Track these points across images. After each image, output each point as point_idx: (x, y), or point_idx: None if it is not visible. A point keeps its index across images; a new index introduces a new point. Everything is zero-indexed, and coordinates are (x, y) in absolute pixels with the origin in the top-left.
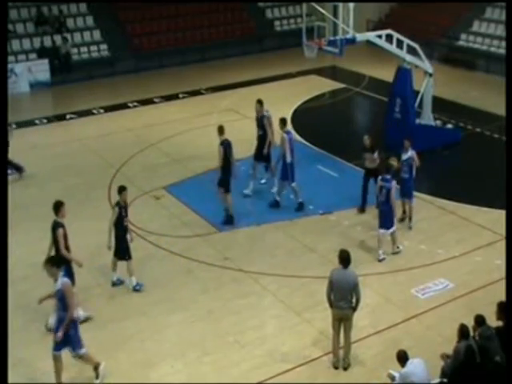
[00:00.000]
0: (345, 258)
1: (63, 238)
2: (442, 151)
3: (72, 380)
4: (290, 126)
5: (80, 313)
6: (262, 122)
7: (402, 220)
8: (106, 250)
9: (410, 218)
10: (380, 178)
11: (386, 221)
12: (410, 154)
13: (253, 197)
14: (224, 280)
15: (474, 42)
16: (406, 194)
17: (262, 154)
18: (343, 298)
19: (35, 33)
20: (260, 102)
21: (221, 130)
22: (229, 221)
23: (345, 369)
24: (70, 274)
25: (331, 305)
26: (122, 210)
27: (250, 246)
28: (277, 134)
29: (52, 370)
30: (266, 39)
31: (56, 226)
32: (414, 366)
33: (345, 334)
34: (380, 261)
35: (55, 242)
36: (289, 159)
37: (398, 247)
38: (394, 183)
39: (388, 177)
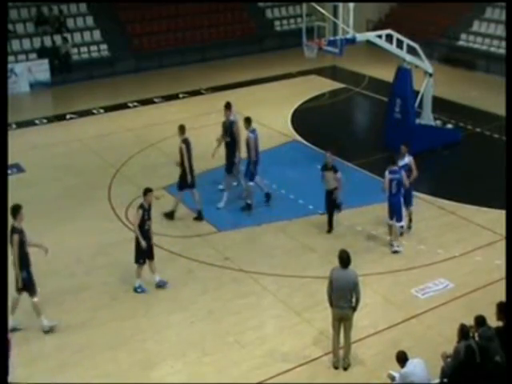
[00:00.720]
0: (344, 259)
1: (18, 245)
2: (442, 151)
3: None
4: (289, 127)
5: (44, 322)
6: (230, 129)
7: (409, 228)
8: (106, 250)
9: (410, 219)
10: (387, 171)
11: (396, 211)
12: (407, 160)
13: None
14: (224, 280)
15: (474, 42)
16: (405, 200)
17: (232, 165)
18: (343, 298)
19: (35, 33)
20: (228, 107)
21: (182, 129)
22: (199, 217)
23: (345, 369)
24: (30, 281)
25: (331, 304)
26: (145, 212)
27: (250, 246)
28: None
29: (52, 369)
30: (266, 39)
31: (12, 231)
32: (414, 365)
33: (345, 333)
34: (394, 252)
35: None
36: (254, 158)
37: (398, 246)
38: (403, 173)
39: (395, 168)
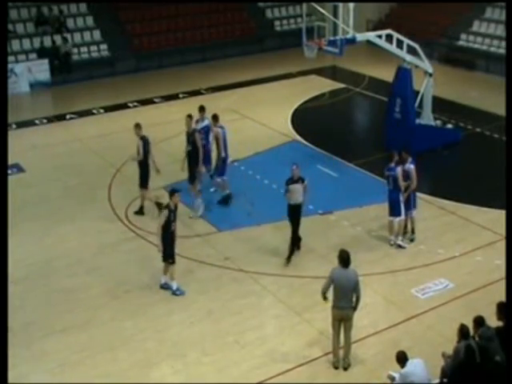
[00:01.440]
0: (345, 258)
1: None
2: (442, 151)
3: None
4: (289, 127)
5: None
6: (192, 137)
7: (404, 233)
8: (106, 250)
9: (413, 230)
10: (386, 168)
11: (395, 207)
12: (407, 167)
13: (252, 197)
14: (224, 280)
15: (474, 41)
16: (405, 205)
17: (194, 175)
18: (344, 298)
19: (35, 33)
20: (190, 116)
21: (138, 126)
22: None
23: (345, 369)
24: None
25: (324, 298)
26: (170, 213)
27: (250, 246)
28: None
29: (52, 369)
30: (266, 39)
31: None
32: (414, 365)
33: (345, 333)
34: (398, 247)
35: None
36: (223, 154)
37: (402, 240)
38: (399, 170)
39: (392, 165)
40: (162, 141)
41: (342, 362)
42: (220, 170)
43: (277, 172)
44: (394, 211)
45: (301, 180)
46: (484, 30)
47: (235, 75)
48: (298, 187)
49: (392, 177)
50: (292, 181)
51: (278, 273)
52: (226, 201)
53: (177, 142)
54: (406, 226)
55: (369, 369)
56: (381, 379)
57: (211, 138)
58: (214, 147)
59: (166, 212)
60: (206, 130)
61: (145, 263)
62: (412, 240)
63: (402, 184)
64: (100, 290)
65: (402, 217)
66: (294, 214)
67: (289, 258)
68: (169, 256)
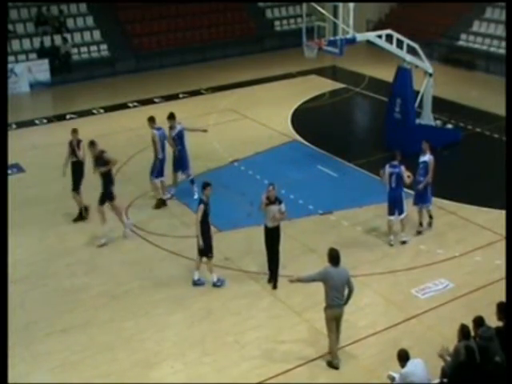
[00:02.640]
0: (335, 257)
1: None
2: (442, 151)
3: None
4: (289, 127)
5: None
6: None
7: (419, 233)
8: (105, 250)
9: (431, 224)
10: (388, 165)
11: (396, 207)
12: (428, 158)
13: (252, 197)
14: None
15: (474, 42)
16: (421, 197)
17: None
18: (339, 296)
19: (35, 33)
20: (152, 120)
21: (74, 131)
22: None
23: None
24: None
25: (301, 281)
26: (206, 206)
27: (250, 246)
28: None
29: (52, 369)
30: (266, 39)
31: None
32: (415, 365)
33: (338, 329)
34: (391, 245)
35: None
36: (160, 155)
37: (405, 236)
38: (402, 168)
39: (395, 163)
40: None
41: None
42: (157, 172)
43: (277, 172)
44: (397, 209)
45: (278, 201)
46: (484, 30)
47: (235, 75)
48: (273, 209)
49: (396, 174)
50: (269, 201)
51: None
52: (158, 206)
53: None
54: (421, 224)
55: (369, 369)
56: (381, 379)
57: (186, 142)
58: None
59: (202, 206)
60: (180, 136)
61: (145, 263)
62: (430, 225)
63: (408, 181)
64: (100, 290)
65: (405, 214)
66: (272, 237)
67: (273, 282)
68: (209, 249)
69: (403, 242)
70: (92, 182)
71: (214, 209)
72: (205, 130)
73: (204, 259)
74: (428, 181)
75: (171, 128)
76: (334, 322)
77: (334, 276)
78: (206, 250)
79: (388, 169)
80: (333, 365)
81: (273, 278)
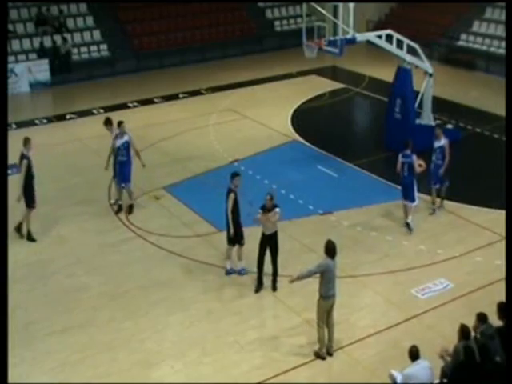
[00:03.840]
0: (332, 249)
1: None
2: None
3: None
4: (289, 127)
5: None
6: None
7: (433, 211)
8: (106, 250)
9: (442, 202)
10: (400, 155)
11: (409, 193)
12: (443, 142)
13: (252, 197)
14: (224, 280)
15: (474, 42)
16: (438, 179)
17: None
18: (334, 287)
19: (35, 33)
20: (109, 123)
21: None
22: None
23: (330, 354)
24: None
25: (302, 278)
26: (236, 195)
27: (249, 246)
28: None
29: (52, 369)
30: (266, 39)
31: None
32: (421, 367)
33: (330, 320)
34: (406, 225)
35: None
36: (130, 160)
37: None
38: (414, 157)
39: (408, 152)
40: (161, 141)
41: (325, 348)
42: (127, 176)
43: (277, 172)
44: (408, 197)
45: (275, 206)
46: (484, 31)
47: (235, 75)
48: (268, 217)
49: (407, 163)
50: (266, 210)
51: (277, 273)
52: (121, 208)
53: (176, 142)
54: (433, 203)
55: (369, 369)
56: (381, 379)
57: (132, 152)
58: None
59: (232, 195)
60: (126, 146)
61: (145, 263)
62: (442, 206)
63: (418, 170)
64: (100, 290)
65: (416, 202)
66: (270, 245)
67: (272, 285)
68: (241, 237)
69: (407, 224)
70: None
71: (213, 209)
72: (144, 165)
73: (236, 247)
74: (447, 163)
75: (117, 137)
76: (325, 313)
77: (332, 268)
78: (238, 238)
79: (401, 158)
80: (320, 355)
81: (272, 282)
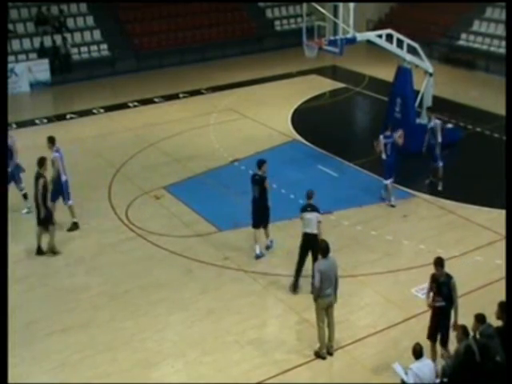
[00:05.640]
0: (325, 248)
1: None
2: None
3: None
4: (289, 126)
5: None
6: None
7: (431, 183)
8: (106, 249)
9: (440, 180)
10: (382, 136)
11: (391, 172)
12: (434, 123)
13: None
14: (224, 280)
15: (475, 41)
16: (434, 158)
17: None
18: (330, 286)
19: (35, 33)
20: (52, 141)
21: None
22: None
23: (330, 354)
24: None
25: (318, 296)
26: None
27: (250, 246)
28: None
29: (52, 369)
30: (266, 39)
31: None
32: (424, 364)
33: (330, 319)
34: (391, 206)
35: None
36: (63, 178)
37: (390, 201)
38: (395, 136)
39: (388, 133)
40: (161, 140)
41: (326, 348)
42: (67, 194)
43: (277, 171)
44: (392, 175)
45: (315, 210)
46: (484, 30)
47: (235, 75)
48: (311, 216)
49: (390, 143)
50: (309, 207)
51: (278, 272)
52: (72, 229)
53: (176, 142)
54: (433, 176)
55: (368, 369)
56: (381, 379)
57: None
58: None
59: (267, 181)
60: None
61: (145, 263)
62: (441, 189)
63: (400, 142)
64: (100, 290)
65: (389, 180)
66: (311, 244)
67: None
68: (269, 218)
69: (392, 206)
70: None
71: (214, 209)
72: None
73: (261, 230)
74: (439, 142)
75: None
76: (323, 311)
77: (325, 268)
78: (267, 220)
79: (383, 139)
80: (320, 355)
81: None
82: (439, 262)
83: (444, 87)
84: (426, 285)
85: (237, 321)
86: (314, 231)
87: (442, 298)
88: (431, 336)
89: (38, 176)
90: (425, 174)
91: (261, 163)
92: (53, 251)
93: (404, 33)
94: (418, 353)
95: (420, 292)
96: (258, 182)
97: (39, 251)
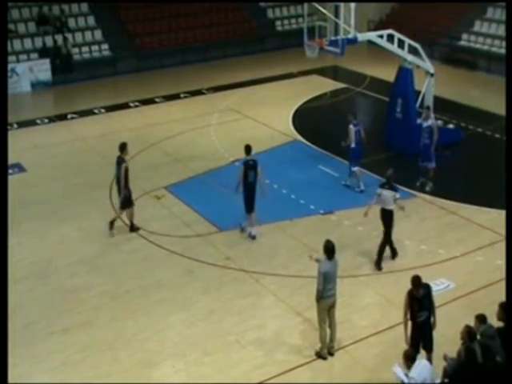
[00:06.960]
0: (331, 249)
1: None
2: (442, 151)
3: None
4: (290, 127)
5: None
6: None
7: (421, 184)
8: (106, 249)
9: (430, 180)
10: (351, 125)
11: (358, 159)
12: (431, 122)
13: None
14: (225, 280)
15: (476, 41)
16: (425, 158)
17: None
18: (333, 286)
19: (37, 32)
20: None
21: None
22: None
23: (331, 354)
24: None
25: (321, 297)
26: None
27: (250, 246)
28: None
29: (52, 369)
30: (267, 39)
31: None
32: (422, 367)
33: (332, 320)
34: (361, 192)
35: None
36: None
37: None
38: (361, 125)
39: (356, 122)
40: (162, 140)
41: (327, 348)
42: None
43: (278, 172)
44: (355, 162)
45: (392, 187)
46: (485, 30)
47: (236, 75)
48: (388, 194)
49: (358, 132)
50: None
51: (278, 273)
52: None
53: (177, 142)
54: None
55: (369, 369)
56: (381, 379)
57: None
58: None
59: (259, 169)
60: None
61: (146, 263)
62: (430, 188)
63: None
64: (101, 290)
65: (356, 168)
66: (387, 219)
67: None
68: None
69: (362, 192)
70: None
71: (214, 208)
72: None
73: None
74: (435, 142)
75: None
76: (325, 312)
77: (330, 269)
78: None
79: (353, 128)
80: (321, 355)
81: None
82: (418, 283)
83: (445, 87)
84: None
85: (237, 321)
86: (391, 207)
87: (425, 311)
88: (414, 346)
89: (120, 161)
90: (426, 173)
91: (249, 149)
92: (132, 228)
93: (405, 33)
94: (411, 357)
95: None
96: (254, 167)
97: (132, 228)
